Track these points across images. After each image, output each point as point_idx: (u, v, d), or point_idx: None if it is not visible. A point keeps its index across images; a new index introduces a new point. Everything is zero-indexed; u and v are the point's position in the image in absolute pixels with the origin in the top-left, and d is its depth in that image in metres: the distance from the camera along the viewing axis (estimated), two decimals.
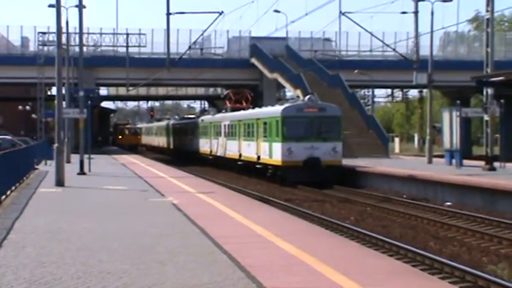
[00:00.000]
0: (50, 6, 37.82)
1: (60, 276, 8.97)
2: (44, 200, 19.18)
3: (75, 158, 34.78)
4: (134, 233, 12.77)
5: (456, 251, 15.78)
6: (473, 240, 17.43)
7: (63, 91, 33.45)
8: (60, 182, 23.48)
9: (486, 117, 31.62)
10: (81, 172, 29.44)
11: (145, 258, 10.14)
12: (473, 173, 28.17)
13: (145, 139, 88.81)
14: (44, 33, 57.05)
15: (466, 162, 34.83)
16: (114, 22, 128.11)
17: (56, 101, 26.01)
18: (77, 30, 38.76)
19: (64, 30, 35.59)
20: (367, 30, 47.28)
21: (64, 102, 34.84)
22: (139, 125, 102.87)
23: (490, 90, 31.46)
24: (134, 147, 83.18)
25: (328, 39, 61.92)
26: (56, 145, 24.93)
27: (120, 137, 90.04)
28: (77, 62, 37.39)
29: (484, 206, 23.12)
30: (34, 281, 8.68)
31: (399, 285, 8.60)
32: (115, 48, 60.71)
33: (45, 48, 56.62)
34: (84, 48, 44.91)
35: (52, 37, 52.73)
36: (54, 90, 47.10)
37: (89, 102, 33.88)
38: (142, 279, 8.80)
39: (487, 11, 31.85)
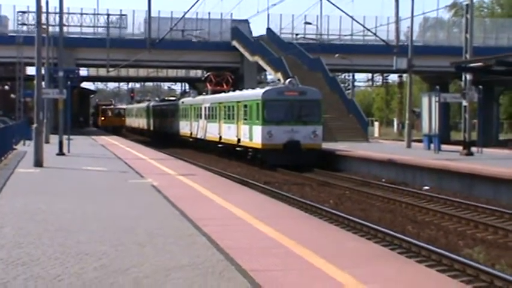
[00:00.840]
0: None
1: (37, 257, 8.95)
2: (22, 180, 19.08)
3: (54, 138, 34.58)
4: (113, 214, 12.75)
5: (433, 235, 15.94)
6: (450, 224, 17.61)
7: (43, 71, 33.24)
8: (38, 163, 23.36)
9: (464, 103, 31.83)
10: (60, 153, 29.28)
11: (124, 240, 10.14)
12: (451, 158, 28.39)
13: (129, 121, 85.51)
14: (23, 12, 56.52)
15: (444, 147, 35.07)
16: (95, 2, 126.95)
17: (35, 81, 25.83)
18: (57, 10, 38.37)
19: (44, 9, 35.22)
20: (348, 15, 47.42)
21: (43, 83, 34.60)
22: (123, 106, 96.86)
23: (468, 76, 31.65)
24: (118, 129, 77.23)
25: (309, 23, 61.82)
26: (34, 125, 24.78)
27: (102, 118, 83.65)
28: (56, 41, 37.09)
29: (462, 191, 23.34)
30: (11, 261, 8.66)
31: (377, 268, 8.67)
32: (96, 29, 60.29)
33: (25, 27, 56.12)
34: (65, 28, 44.60)
35: (32, 16, 52.27)
36: (33, 70, 46.72)
37: (69, 82, 33.66)
38: (120, 260, 8.80)
39: None
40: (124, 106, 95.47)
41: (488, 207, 19.29)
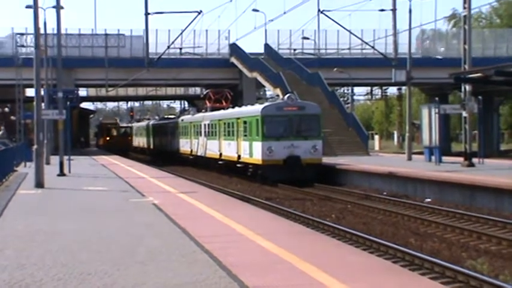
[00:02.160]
0: (28, 7, 37.56)
1: (40, 278, 8.93)
2: (24, 201, 19.06)
3: (55, 159, 34.58)
4: (115, 233, 12.73)
5: (436, 247, 15.89)
6: (453, 236, 17.56)
7: (42, 92, 33.28)
8: (39, 184, 23.35)
9: (464, 114, 31.84)
10: (61, 173, 29.28)
11: (126, 259, 10.12)
12: (452, 170, 28.37)
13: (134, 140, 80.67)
14: (21, 34, 56.70)
15: (445, 158, 35.05)
16: (92, 23, 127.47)
17: (34, 103, 25.86)
18: (55, 31, 38.49)
19: (42, 31, 35.34)
20: (345, 28, 47.47)
21: (43, 104, 34.65)
22: (129, 124, 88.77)
23: (468, 87, 31.68)
24: (124, 150, 71.08)
25: (306, 38, 62.00)
26: (35, 147, 24.79)
27: (107, 138, 77.33)
28: (55, 63, 37.17)
29: (463, 202, 23.30)
30: (14, 283, 8.64)
31: (380, 282, 8.64)
32: (94, 49, 60.46)
33: (23, 49, 56.27)
34: (63, 49, 44.71)
35: (30, 38, 52.46)
36: (32, 92, 46.81)
37: (68, 103, 33.72)
38: (123, 279, 8.78)
39: (464, 8, 32.07)
40: (130, 124, 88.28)
41: (491, 218, 19.25)
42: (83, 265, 9.70)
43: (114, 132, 78.08)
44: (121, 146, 72.57)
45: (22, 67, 51.68)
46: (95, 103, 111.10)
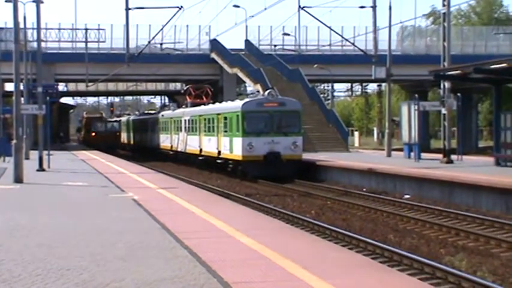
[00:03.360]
0: (7, 1, 37.25)
1: (18, 273, 8.88)
2: (2, 196, 18.94)
3: (34, 154, 34.38)
4: (94, 229, 12.69)
5: (415, 243, 15.98)
6: (431, 232, 17.67)
7: (22, 87, 33.05)
8: (18, 179, 23.21)
9: (443, 111, 32.05)
10: (40, 168, 29.13)
11: (105, 255, 10.09)
12: (431, 166, 28.54)
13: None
14: (1, 28, 56.26)
15: (424, 155, 35.27)
16: (73, 17, 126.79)
17: (14, 97, 25.69)
18: (35, 26, 38.22)
19: (22, 25, 35.08)
20: (326, 25, 47.63)
21: (22, 99, 34.42)
22: (117, 118, 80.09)
23: (447, 84, 31.89)
24: (112, 146, 64.90)
25: (287, 34, 62.06)
26: (14, 141, 24.63)
27: (92, 134, 69.87)
28: (35, 57, 36.93)
29: (442, 198, 23.45)
30: None
31: (359, 278, 8.68)
32: (74, 44, 60.16)
33: (2, 44, 55.81)
34: (43, 44, 44.45)
35: (9, 33, 52.03)
36: (11, 86, 46.48)
37: (48, 98, 33.51)
38: (102, 275, 8.76)
39: (444, 5, 32.26)
40: (118, 118, 79.91)
41: (469, 215, 19.40)
42: (62, 260, 9.66)
43: (101, 128, 70.26)
44: (108, 143, 65.61)
45: (1, 61, 51.22)
46: (75, 98, 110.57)
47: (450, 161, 31.09)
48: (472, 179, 22.53)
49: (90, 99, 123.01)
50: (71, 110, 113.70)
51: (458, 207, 21.62)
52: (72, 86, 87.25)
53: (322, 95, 64.71)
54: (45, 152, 30.70)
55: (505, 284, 11.75)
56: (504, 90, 34.31)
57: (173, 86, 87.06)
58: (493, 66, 26.40)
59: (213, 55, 59.99)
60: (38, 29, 33.93)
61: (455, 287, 11.68)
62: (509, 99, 58.04)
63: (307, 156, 35.32)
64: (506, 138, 28.54)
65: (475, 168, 27.23)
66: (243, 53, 59.09)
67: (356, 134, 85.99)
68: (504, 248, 15.28)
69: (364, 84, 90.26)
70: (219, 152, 36.06)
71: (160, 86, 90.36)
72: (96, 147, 61.31)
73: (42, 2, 32.56)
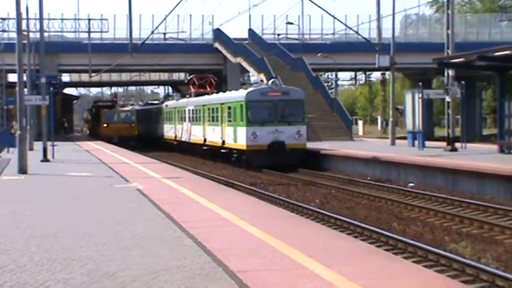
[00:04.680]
0: None
1: (24, 263, 8.92)
2: (7, 187, 18.99)
3: (38, 145, 34.43)
4: (99, 219, 12.73)
5: (419, 231, 16.01)
6: (435, 219, 17.70)
7: (25, 78, 33.08)
8: (23, 170, 23.26)
9: (447, 99, 32.01)
10: (45, 159, 29.19)
11: (110, 244, 10.12)
12: (435, 154, 28.54)
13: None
14: (3, 19, 56.26)
15: (428, 143, 35.27)
16: (75, 7, 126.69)
17: (17, 88, 25.72)
18: (38, 16, 38.19)
19: (24, 16, 35.07)
20: (329, 14, 47.54)
21: (26, 89, 34.44)
22: (131, 107, 68.96)
23: (451, 72, 31.83)
24: (127, 139, 56.23)
25: (290, 23, 61.97)
26: (18, 132, 24.67)
27: (105, 125, 59.52)
28: (38, 48, 36.92)
29: (446, 186, 23.46)
30: None
31: (364, 265, 8.71)
32: (77, 34, 60.15)
33: (5, 34, 55.85)
34: (46, 34, 44.41)
35: (12, 23, 52.02)
36: (15, 77, 46.52)
37: (51, 88, 33.54)
38: (107, 265, 8.79)
39: None
40: (132, 107, 68.90)
41: (473, 202, 19.41)
42: (67, 251, 9.70)
43: (115, 117, 60.00)
44: (122, 135, 57.22)
45: (4, 52, 51.30)
46: (78, 89, 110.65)
47: (454, 149, 31.08)
48: (476, 167, 22.53)
49: (94, 90, 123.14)
50: (75, 101, 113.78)
51: (462, 194, 21.63)
52: (75, 77, 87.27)
53: (326, 84, 64.61)
54: (49, 143, 30.74)
55: (508, 271, 11.76)
56: (508, 78, 34.24)
57: (177, 76, 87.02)
58: (496, 54, 26.35)
59: (217, 45, 59.92)
60: (41, 19, 33.87)
61: (459, 274, 11.70)
62: None
63: (311, 145, 35.33)
64: (510, 126, 28.51)
65: (479, 156, 27.23)
66: (247, 42, 59.02)
67: (360, 122, 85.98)
68: (508, 235, 15.30)
69: (367, 72, 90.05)
70: (223, 142, 36.08)
71: (164, 76, 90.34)
72: (108, 140, 53.86)
73: None
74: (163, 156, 41.99)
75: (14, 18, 33.12)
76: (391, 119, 39.81)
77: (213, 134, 38.26)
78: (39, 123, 38.89)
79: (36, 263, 8.93)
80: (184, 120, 45.59)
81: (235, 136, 33.94)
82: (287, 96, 33.40)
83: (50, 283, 7.92)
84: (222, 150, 36.26)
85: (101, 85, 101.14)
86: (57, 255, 9.39)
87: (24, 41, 36.23)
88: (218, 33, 60.23)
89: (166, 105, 53.49)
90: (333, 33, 58.69)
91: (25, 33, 37.80)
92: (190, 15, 62.21)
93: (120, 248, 9.84)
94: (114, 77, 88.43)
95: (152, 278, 8.10)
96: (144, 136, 62.19)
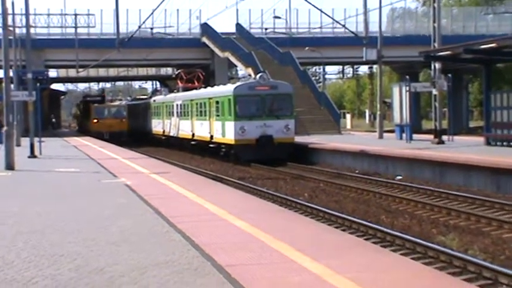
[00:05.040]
0: None
1: (11, 260, 8.89)
2: None
3: (25, 141, 34.30)
4: (87, 214, 12.70)
5: (407, 224, 16.08)
6: (423, 212, 17.77)
7: (11, 73, 32.92)
8: (10, 166, 23.16)
9: (434, 92, 32.12)
10: (32, 155, 29.08)
11: (98, 240, 10.11)
12: (422, 147, 28.64)
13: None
14: None
15: (415, 136, 35.39)
16: (62, 3, 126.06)
17: (3, 84, 25.61)
18: (24, 11, 38.01)
19: (10, 11, 34.89)
20: (316, 7, 47.51)
21: (12, 85, 34.28)
22: (124, 101, 68.10)
23: (437, 65, 31.93)
24: (118, 135, 54.74)
25: (278, 17, 61.96)
26: (4, 128, 24.57)
27: (95, 120, 57.72)
28: (24, 43, 36.75)
29: (434, 179, 23.56)
30: None
31: (352, 258, 8.74)
32: (63, 30, 59.92)
33: None
34: (32, 30, 44.23)
35: None
36: (1, 73, 46.31)
37: (38, 84, 33.39)
38: (95, 260, 8.78)
39: None
40: (125, 102, 67.80)
41: (460, 194, 19.50)
42: (55, 247, 9.68)
43: (105, 113, 58.20)
44: (113, 130, 55.64)
45: None
46: (66, 84, 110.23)
47: (441, 142, 31.20)
48: (463, 159, 22.64)
49: (81, 85, 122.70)
50: (62, 96, 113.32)
51: (450, 187, 21.73)
52: (62, 72, 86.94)
53: (313, 78, 64.67)
54: (36, 139, 30.62)
55: (495, 262, 11.84)
56: (494, 70, 34.38)
57: (164, 71, 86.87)
58: (482, 47, 26.45)
59: (204, 39, 59.83)
60: (27, 14, 33.73)
61: (447, 265, 11.76)
62: (499, 79, 58.22)
63: (299, 139, 35.37)
64: (497, 118, 28.65)
65: (466, 148, 27.35)
66: (234, 36, 58.96)
67: (348, 116, 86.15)
68: (494, 227, 15.40)
69: (355, 66, 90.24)
70: (212, 137, 36.06)
71: (152, 71, 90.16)
72: (98, 136, 52.20)
73: None
74: (151, 151, 41.93)
75: None
76: (378, 113, 39.90)
77: (201, 129, 38.23)
78: (26, 119, 38.76)
79: (23, 259, 8.91)
80: (173, 115, 45.54)
81: (224, 130, 33.93)
82: (275, 91, 33.41)
83: (38, 279, 7.91)
84: (211, 145, 36.26)
85: (88, 80, 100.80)
86: (44, 251, 9.37)
87: (10, 37, 36.03)
88: (206, 28, 60.14)
89: (154, 100, 53.40)
90: (320, 27, 58.69)
91: (11, 28, 37.61)
92: (178, 10, 62.08)
93: (108, 244, 9.83)
94: (102, 72, 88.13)
95: (141, 273, 8.10)
96: (132, 131, 62.10)
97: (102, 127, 56.22)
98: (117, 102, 64.30)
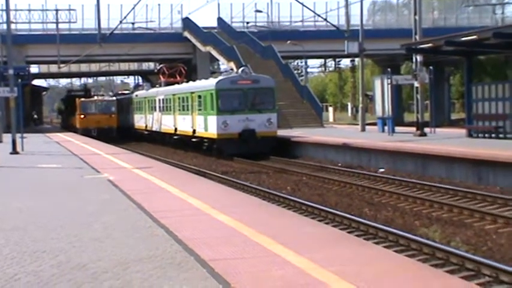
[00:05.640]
0: None
1: None
2: None
3: (7, 137, 34.10)
4: (70, 210, 12.65)
5: (390, 216, 16.15)
6: (406, 204, 17.86)
7: None
8: None
9: (416, 84, 32.26)
10: (14, 151, 28.91)
11: (81, 236, 10.08)
12: (405, 139, 28.76)
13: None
14: None
15: (398, 128, 35.52)
16: None
17: None
18: (4, 7, 37.74)
19: None
20: (298, 1, 47.46)
21: None
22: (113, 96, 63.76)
23: (419, 58, 32.06)
24: (107, 132, 51.46)
25: (259, 11, 61.94)
26: None
27: (82, 116, 53.49)
28: (4, 39, 36.48)
29: (416, 171, 23.68)
30: None
31: (335, 251, 8.77)
32: (44, 25, 59.59)
33: None
34: (13, 25, 43.90)
35: None
36: None
37: (20, 80, 33.17)
38: (78, 256, 8.75)
39: None
40: (113, 96, 63.17)
41: (442, 186, 19.62)
42: (37, 243, 9.64)
43: (93, 108, 53.93)
44: (102, 127, 52.19)
45: None
46: (48, 80, 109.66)
47: (423, 134, 31.35)
48: (445, 151, 22.76)
49: (63, 81, 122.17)
50: (44, 92, 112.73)
51: (432, 179, 21.85)
52: (44, 68, 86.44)
53: (295, 71, 64.74)
54: (18, 135, 30.45)
55: (478, 253, 11.92)
56: (475, 62, 34.53)
57: (146, 66, 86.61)
58: (463, 39, 26.56)
59: (186, 34, 59.71)
60: (7, 10, 33.46)
61: (429, 257, 11.83)
62: (480, 71, 58.51)
63: (282, 132, 35.40)
64: (478, 110, 28.81)
65: (448, 140, 27.50)
66: (216, 30, 58.89)
67: (330, 109, 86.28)
68: (477, 218, 15.50)
69: (337, 59, 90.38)
70: (194, 131, 36.03)
71: (134, 66, 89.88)
72: (85, 134, 49.70)
73: None
74: (133, 146, 41.82)
75: None
76: (360, 105, 40.02)
77: (183, 123, 38.18)
78: (8, 115, 38.52)
79: (5, 256, 8.86)
80: (155, 110, 45.42)
81: (206, 125, 33.90)
82: (257, 85, 33.42)
83: (20, 276, 7.87)
84: (193, 139, 36.22)
85: (70, 76, 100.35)
86: (27, 248, 9.33)
87: None
88: (187, 22, 60.02)
89: (136, 95, 53.22)
90: (302, 21, 58.74)
91: None
92: (159, 5, 62.08)
93: (91, 239, 9.80)
94: (84, 67, 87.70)
95: (124, 268, 8.08)
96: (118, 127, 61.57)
97: (89, 123, 52.48)
98: (106, 97, 60.06)
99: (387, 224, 14.70)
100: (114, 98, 59.24)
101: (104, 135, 48.99)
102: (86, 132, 50.01)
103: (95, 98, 57.57)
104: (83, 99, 55.09)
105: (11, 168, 22.45)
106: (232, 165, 29.97)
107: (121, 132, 57.17)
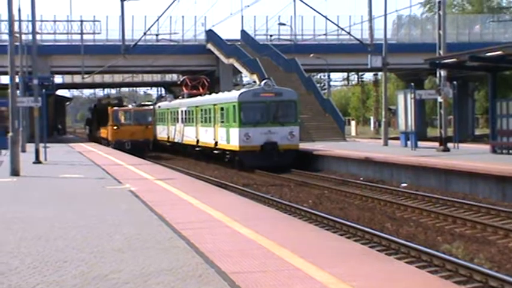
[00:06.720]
0: None
1: (15, 266, 8.87)
2: None
3: (31, 147, 34.32)
4: (91, 221, 12.68)
5: (412, 232, 16.02)
6: (428, 220, 17.71)
7: (17, 80, 32.98)
8: (15, 172, 23.16)
9: (440, 99, 32.04)
10: (37, 161, 29.09)
11: (102, 246, 10.09)
12: (427, 154, 28.57)
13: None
14: None
15: (420, 143, 35.32)
16: (68, 9, 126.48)
17: (9, 90, 25.63)
18: (30, 18, 38.09)
19: (16, 17, 34.96)
20: (321, 14, 47.57)
21: (18, 91, 34.32)
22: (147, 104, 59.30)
23: (443, 72, 31.86)
24: (142, 146, 44.66)
25: (283, 24, 62.03)
26: (10, 134, 24.58)
27: (114, 127, 46.07)
28: (30, 49, 36.82)
29: (439, 186, 23.49)
30: None
31: (356, 266, 8.70)
32: (69, 36, 60.09)
33: None
34: (38, 36, 44.32)
35: (4, 25, 51.90)
36: (7, 79, 46.37)
37: (44, 90, 33.44)
38: (99, 267, 8.76)
39: None
40: (148, 105, 57.99)
41: (466, 202, 19.44)
42: (59, 253, 9.66)
43: (125, 118, 46.63)
44: (136, 140, 44.97)
45: None
46: (71, 90, 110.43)
47: (447, 149, 31.12)
48: (469, 167, 22.56)
49: (86, 91, 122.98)
50: (67, 102, 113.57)
51: (455, 195, 21.66)
52: (68, 78, 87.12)
53: (318, 85, 64.68)
54: (41, 145, 30.65)
55: (502, 271, 11.78)
56: (500, 78, 34.30)
57: (169, 77, 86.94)
58: (488, 54, 26.39)
59: (209, 46, 59.89)
60: (33, 21, 33.80)
61: (452, 274, 11.70)
62: (505, 86, 58.08)
63: (304, 145, 35.33)
64: (502, 126, 28.56)
65: (472, 156, 27.27)
66: (239, 43, 59.02)
67: (353, 123, 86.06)
68: (501, 235, 15.33)
69: (360, 73, 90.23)
70: (216, 143, 36.06)
71: (157, 77, 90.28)
72: (118, 147, 43.68)
73: None
74: (155, 157, 41.90)
75: (6, 20, 33.03)
76: (383, 120, 39.84)
77: (205, 135, 38.24)
78: (32, 124, 38.79)
79: (27, 266, 8.89)
80: (177, 122, 45.52)
81: (228, 137, 33.93)
82: (280, 97, 33.42)
83: (42, 286, 7.88)
84: (215, 151, 36.25)
85: (93, 86, 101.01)
86: (49, 258, 9.35)
87: (17, 43, 36.09)
88: (211, 35, 60.21)
89: (159, 107, 53.39)
90: (325, 34, 58.69)
91: (17, 35, 37.69)
92: (183, 17, 62.18)
93: (112, 250, 9.80)
94: (107, 78, 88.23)
95: (145, 280, 8.07)
96: None
97: (123, 135, 45.44)
98: (139, 106, 54.55)
99: (409, 240, 14.58)
100: (151, 106, 54.63)
101: (138, 149, 43.25)
102: (119, 146, 44.12)
103: (130, 106, 52.75)
104: (115, 107, 48.43)
105: (34, 178, 22.58)
106: (253, 178, 29.94)
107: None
